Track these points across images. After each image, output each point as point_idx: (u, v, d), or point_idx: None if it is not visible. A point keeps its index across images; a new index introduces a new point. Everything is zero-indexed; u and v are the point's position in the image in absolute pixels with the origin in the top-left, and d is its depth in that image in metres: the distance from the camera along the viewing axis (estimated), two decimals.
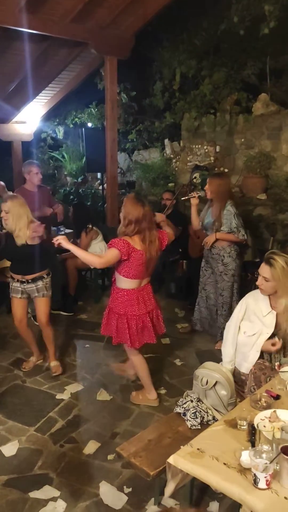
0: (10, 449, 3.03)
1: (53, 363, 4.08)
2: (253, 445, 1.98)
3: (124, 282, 3.26)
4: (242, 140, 6.47)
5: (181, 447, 2.06)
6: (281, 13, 5.38)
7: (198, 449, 2.00)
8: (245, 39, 6.11)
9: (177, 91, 6.82)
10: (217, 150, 6.69)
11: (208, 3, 6.33)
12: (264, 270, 2.80)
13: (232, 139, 6.60)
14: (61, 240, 3.12)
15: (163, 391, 3.73)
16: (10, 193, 4.54)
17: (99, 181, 8.16)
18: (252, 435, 2.04)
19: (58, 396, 3.66)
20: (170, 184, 6.99)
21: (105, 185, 7.03)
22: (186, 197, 4.41)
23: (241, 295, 4.45)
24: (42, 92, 7.31)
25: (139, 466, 2.39)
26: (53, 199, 5.65)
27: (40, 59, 6.20)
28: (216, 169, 6.67)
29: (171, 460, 2.01)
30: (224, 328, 4.01)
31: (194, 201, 4.31)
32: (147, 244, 3.14)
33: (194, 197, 4.29)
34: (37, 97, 7.37)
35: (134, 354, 3.47)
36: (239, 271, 4.44)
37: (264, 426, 2.08)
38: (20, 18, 4.87)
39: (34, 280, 3.87)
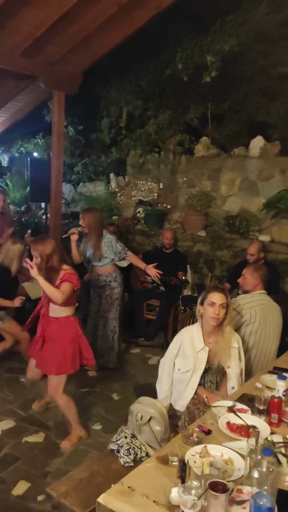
0: None
1: None
2: (183, 481, 1.98)
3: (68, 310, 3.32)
4: (184, 179, 6.74)
5: (112, 485, 2.03)
6: (222, 64, 5.77)
7: (129, 487, 1.98)
8: (188, 85, 6.46)
9: (123, 128, 7.03)
10: (161, 187, 6.92)
11: (154, 48, 6.66)
12: (219, 297, 2.84)
13: (175, 177, 6.86)
14: (33, 269, 3.11)
15: (98, 427, 3.67)
16: None
17: (42, 210, 8.11)
18: (183, 471, 2.05)
19: None
20: (114, 217, 7.09)
21: (48, 215, 7.00)
22: (66, 235, 4.54)
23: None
24: None
25: (69, 506, 2.33)
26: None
27: None
28: (159, 205, 6.87)
29: (101, 499, 1.96)
30: (106, 349, 4.57)
31: (73, 237, 4.48)
32: None
33: (74, 233, 4.45)
34: None
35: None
36: (122, 300, 4.70)
37: (195, 462, 2.09)
38: None
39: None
